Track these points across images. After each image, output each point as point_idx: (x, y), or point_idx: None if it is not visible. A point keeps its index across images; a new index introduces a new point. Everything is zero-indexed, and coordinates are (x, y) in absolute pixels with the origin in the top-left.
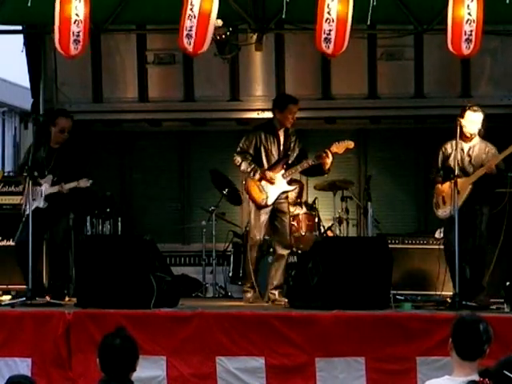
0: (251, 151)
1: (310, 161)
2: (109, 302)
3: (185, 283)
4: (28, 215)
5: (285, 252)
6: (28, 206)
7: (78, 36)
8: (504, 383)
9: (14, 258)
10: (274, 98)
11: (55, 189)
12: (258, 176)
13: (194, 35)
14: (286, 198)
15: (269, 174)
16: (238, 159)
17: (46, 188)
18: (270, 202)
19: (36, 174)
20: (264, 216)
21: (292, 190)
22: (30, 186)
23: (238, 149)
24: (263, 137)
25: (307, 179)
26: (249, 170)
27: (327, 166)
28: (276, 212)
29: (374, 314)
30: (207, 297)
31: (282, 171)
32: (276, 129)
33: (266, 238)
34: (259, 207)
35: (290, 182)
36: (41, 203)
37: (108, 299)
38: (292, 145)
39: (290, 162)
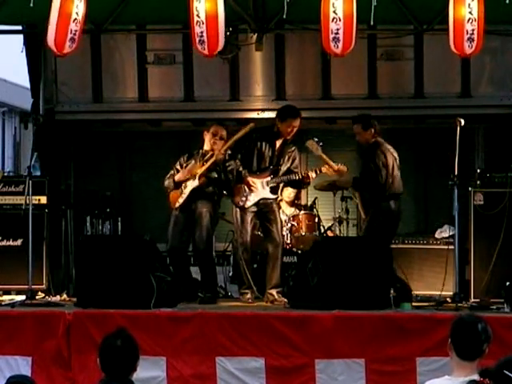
0: (242, 151)
1: (296, 175)
2: (109, 302)
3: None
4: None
5: (276, 250)
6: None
7: (74, 35)
8: (504, 383)
9: (14, 257)
10: (281, 107)
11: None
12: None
13: (206, 40)
14: (274, 199)
15: (250, 179)
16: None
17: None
18: (247, 204)
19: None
20: (249, 217)
21: (273, 198)
22: (30, 185)
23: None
24: (259, 141)
25: None
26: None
27: (307, 182)
28: (263, 213)
29: (373, 314)
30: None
31: (268, 178)
32: (274, 137)
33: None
34: (239, 208)
35: (276, 190)
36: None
37: (108, 299)
38: (287, 156)
39: (280, 171)
